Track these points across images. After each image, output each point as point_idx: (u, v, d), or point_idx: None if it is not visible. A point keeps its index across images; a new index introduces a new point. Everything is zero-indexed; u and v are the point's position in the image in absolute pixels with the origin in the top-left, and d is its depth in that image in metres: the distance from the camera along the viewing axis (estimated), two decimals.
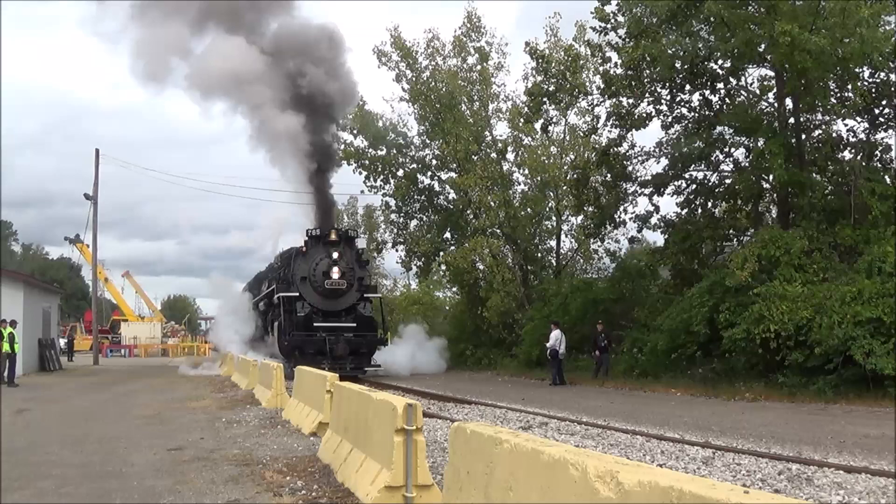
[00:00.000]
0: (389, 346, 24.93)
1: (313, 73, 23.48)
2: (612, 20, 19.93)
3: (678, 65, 19.04)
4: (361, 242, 24.50)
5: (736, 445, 8.94)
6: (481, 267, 29.81)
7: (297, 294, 22.03)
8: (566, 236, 30.25)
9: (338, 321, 21.80)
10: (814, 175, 18.45)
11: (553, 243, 30.65)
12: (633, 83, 19.96)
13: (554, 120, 25.81)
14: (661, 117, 20.82)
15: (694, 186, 21.24)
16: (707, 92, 20.13)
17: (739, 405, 14.01)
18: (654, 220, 22.03)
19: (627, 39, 19.56)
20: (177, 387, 19.14)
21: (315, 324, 21.46)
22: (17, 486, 6.59)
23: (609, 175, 22.50)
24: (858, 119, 18.30)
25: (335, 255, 21.89)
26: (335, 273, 21.73)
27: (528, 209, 29.87)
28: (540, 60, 22.44)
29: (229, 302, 31.35)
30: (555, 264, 30.27)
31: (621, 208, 22.45)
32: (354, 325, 21.93)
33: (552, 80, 22.13)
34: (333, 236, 22.32)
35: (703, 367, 17.59)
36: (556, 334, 19.78)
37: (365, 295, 22.97)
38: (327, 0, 55.45)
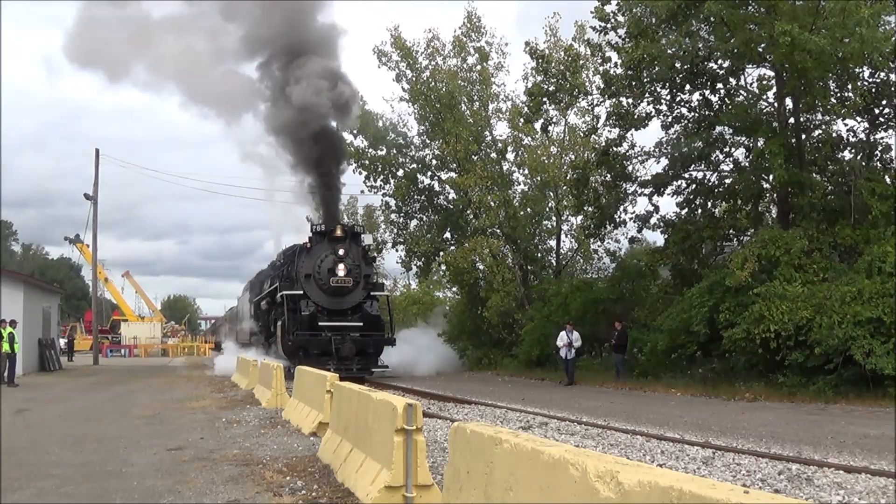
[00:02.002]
0: (412, 345, 24.33)
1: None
2: (612, 20, 19.94)
3: (678, 65, 19.03)
4: (368, 238, 23.22)
5: (736, 445, 8.94)
6: (481, 267, 29.81)
7: (302, 292, 21.16)
8: (566, 236, 30.31)
9: (343, 320, 20.96)
10: (814, 175, 18.43)
11: (553, 243, 30.68)
12: (633, 83, 19.95)
13: (554, 120, 25.82)
14: (661, 117, 20.80)
15: (694, 186, 21.22)
16: (707, 92, 20.12)
17: (739, 405, 14.01)
18: (654, 220, 22.02)
19: (627, 39, 19.56)
20: (177, 387, 19.15)
21: (320, 323, 20.67)
22: (17, 486, 6.59)
23: (609, 175, 22.46)
24: (858, 119, 18.28)
25: (341, 251, 20.91)
26: (341, 270, 20.77)
27: (528, 209, 29.88)
28: (540, 60, 22.44)
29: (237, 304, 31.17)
30: (555, 264, 30.27)
31: (621, 208, 22.43)
32: (361, 324, 21.07)
33: (552, 80, 22.11)
34: (339, 232, 21.29)
35: (703, 367, 17.60)
36: (577, 335, 19.92)
37: (371, 293, 22.06)
38: (328, 0, 55.72)
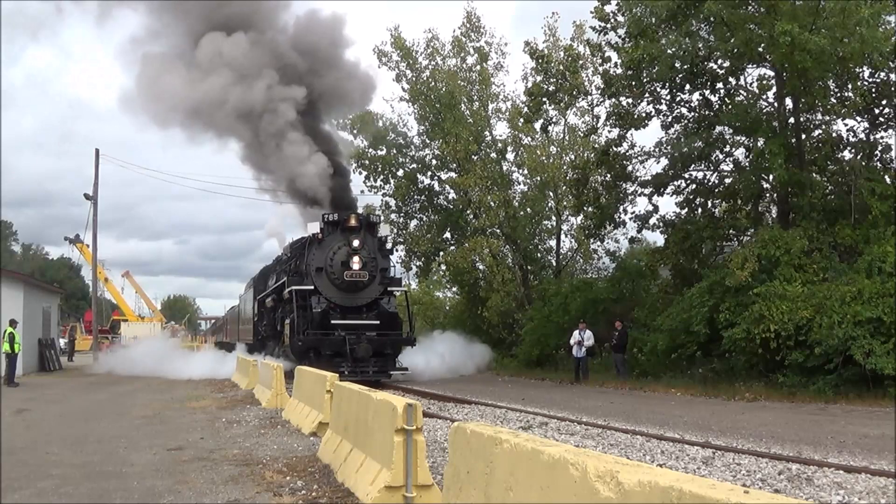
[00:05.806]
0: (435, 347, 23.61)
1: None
2: (612, 20, 19.95)
3: (678, 65, 19.03)
4: (385, 229, 21.32)
5: (736, 445, 8.95)
6: (481, 267, 29.82)
7: (312, 287, 19.36)
8: (566, 236, 30.32)
9: (358, 318, 19.33)
10: (814, 175, 18.44)
11: (553, 243, 30.70)
12: (633, 83, 19.95)
13: (554, 120, 25.81)
14: (661, 117, 20.81)
15: (694, 186, 21.24)
16: (707, 92, 20.12)
17: (739, 405, 14.01)
18: (653, 220, 22.03)
19: (627, 39, 19.56)
20: (177, 387, 19.13)
21: (332, 321, 19.02)
22: (17, 486, 6.59)
23: (609, 175, 22.48)
24: (858, 119, 18.31)
25: (355, 242, 19.13)
26: (355, 263, 19.04)
27: (528, 209, 29.89)
28: (539, 60, 22.44)
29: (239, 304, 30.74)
30: (555, 264, 30.28)
31: (621, 208, 22.44)
32: (377, 322, 19.45)
33: (552, 80, 22.12)
34: (353, 221, 19.50)
35: (702, 367, 17.60)
36: (589, 334, 19.93)
37: (388, 288, 20.27)
38: (328, 0, 56.26)
